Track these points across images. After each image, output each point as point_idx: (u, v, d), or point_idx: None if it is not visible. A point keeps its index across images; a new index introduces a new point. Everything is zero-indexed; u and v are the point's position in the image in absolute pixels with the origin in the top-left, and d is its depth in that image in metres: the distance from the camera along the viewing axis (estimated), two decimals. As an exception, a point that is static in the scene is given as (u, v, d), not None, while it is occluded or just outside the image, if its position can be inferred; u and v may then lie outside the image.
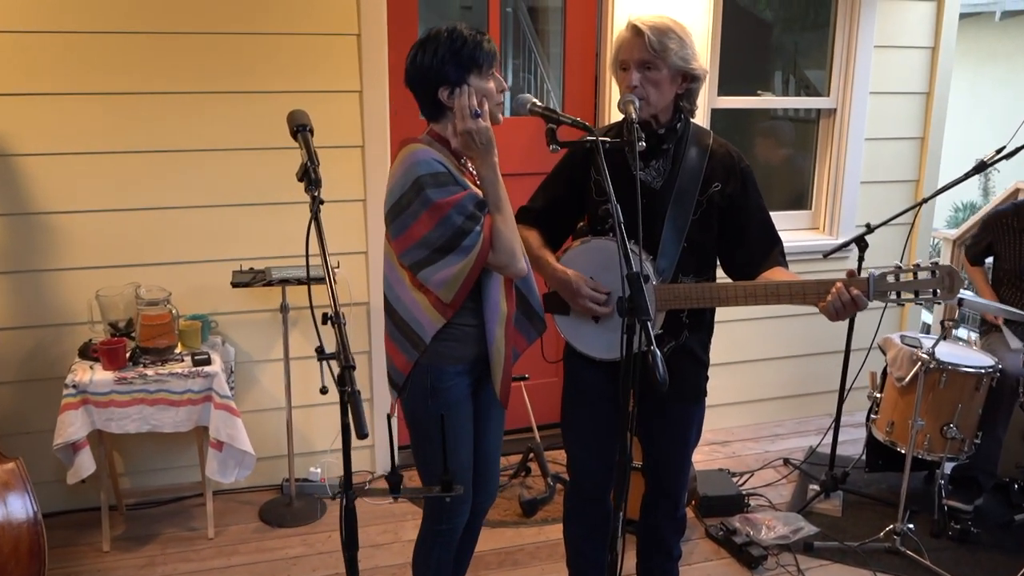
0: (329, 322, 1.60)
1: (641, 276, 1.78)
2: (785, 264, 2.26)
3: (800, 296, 2.06)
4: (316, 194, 1.76)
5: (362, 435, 1.46)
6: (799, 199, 4.45)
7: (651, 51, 2.12)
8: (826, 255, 3.47)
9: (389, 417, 1.83)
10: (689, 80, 2.17)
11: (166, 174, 3.27)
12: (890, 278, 1.90)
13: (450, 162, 2.08)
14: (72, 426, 2.92)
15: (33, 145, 3.12)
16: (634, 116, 2.03)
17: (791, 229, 4.28)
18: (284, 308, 3.27)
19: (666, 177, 2.24)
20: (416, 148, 2.06)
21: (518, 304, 2.28)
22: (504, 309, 2.17)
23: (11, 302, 3.20)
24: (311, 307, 1.70)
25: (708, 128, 2.34)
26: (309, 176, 1.80)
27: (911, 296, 1.90)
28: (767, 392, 4.38)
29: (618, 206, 1.85)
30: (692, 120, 2.30)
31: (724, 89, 3.99)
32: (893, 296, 1.90)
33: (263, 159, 3.34)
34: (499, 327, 2.17)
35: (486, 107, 2.07)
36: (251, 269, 3.32)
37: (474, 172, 2.17)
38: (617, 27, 3.62)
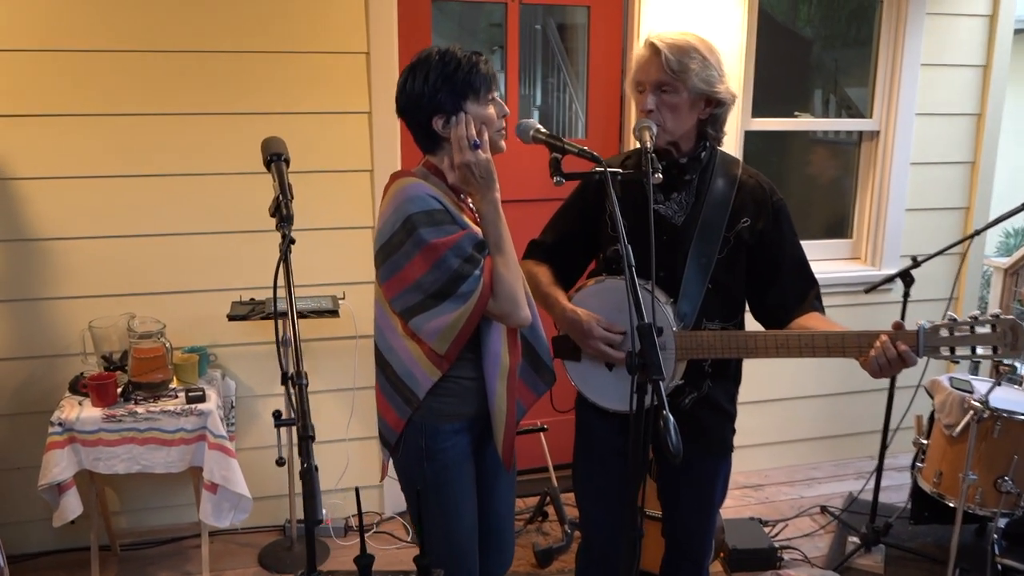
0: (289, 383, 1.39)
1: (654, 328, 1.56)
2: (822, 309, 2.03)
3: (839, 349, 1.82)
4: (287, 232, 1.58)
5: (314, 523, 1.25)
6: (839, 227, 4.18)
7: (669, 72, 1.91)
8: (868, 290, 3.21)
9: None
10: (713, 105, 1.96)
11: (165, 199, 3.12)
12: (943, 332, 1.66)
13: (447, 198, 1.88)
14: (57, 466, 2.76)
15: (25, 168, 2.98)
16: (649, 144, 1.81)
17: (830, 259, 4.02)
18: (284, 342, 3.08)
19: (689, 211, 2.02)
20: (408, 183, 1.86)
21: (524, 354, 2.07)
22: (506, 362, 1.95)
23: (2, 331, 3.06)
24: (278, 350, 1.49)
25: (738, 156, 2.12)
26: (280, 212, 1.63)
27: (967, 352, 1.65)
28: (802, 432, 4.10)
29: (629, 247, 1.63)
30: (720, 148, 2.08)
31: (759, 110, 3.76)
32: (946, 352, 1.65)
33: (266, 184, 3.15)
34: (500, 381, 1.95)
35: (485, 136, 1.86)
36: (252, 300, 3.15)
37: (474, 209, 1.97)
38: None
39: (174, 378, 3.02)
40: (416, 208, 1.80)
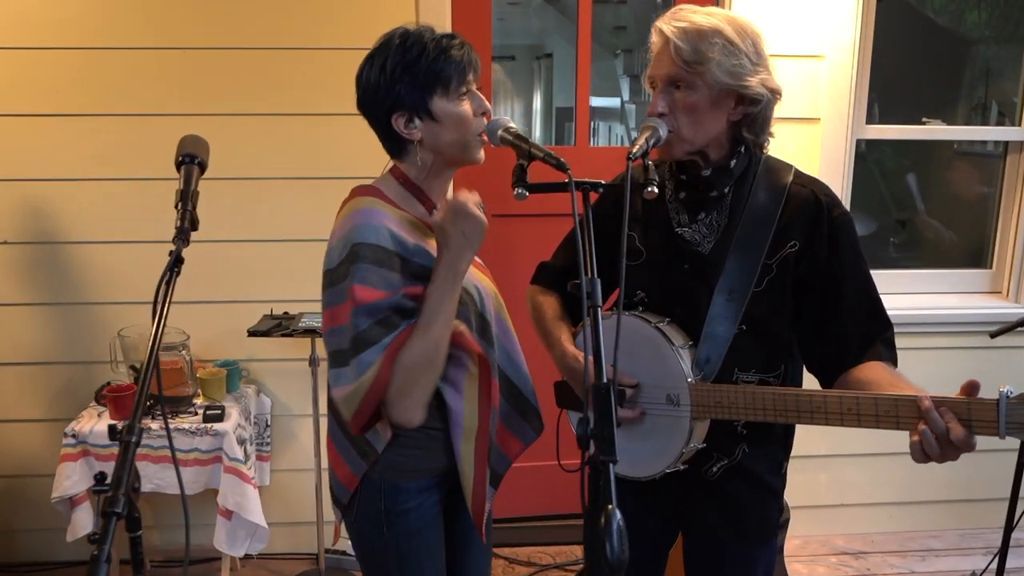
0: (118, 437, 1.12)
1: (613, 389, 1.19)
2: (892, 359, 1.56)
3: (891, 419, 1.36)
4: (177, 248, 1.32)
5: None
6: (977, 255, 3.54)
7: (681, 64, 1.51)
8: (995, 334, 2.62)
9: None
10: (747, 103, 1.54)
11: (204, 204, 2.96)
12: None
13: (406, 223, 1.55)
14: (69, 479, 2.65)
15: (60, 170, 2.91)
16: (635, 148, 1.43)
17: (964, 292, 3.39)
18: (313, 361, 2.86)
19: (720, 235, 1.61)
20: (363, 206, 1.53)
21: (508, 397, 1.72)
22: (472, 423, 1.62)
23: (40, 335, 3.00)
24: (142, 386, 1.21)
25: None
26: (179, 223, 1.36)
27: None
28: (922, 492, 3.48)
29: (598, 280, 1.26)
30: (766, 154, 1.66)
31: (883, 115, 3.22)
32: None
33: (305, 189, 2.95)
34: (466, 443, 1.61)
35: (473, 204, 1.51)
36: (284, 313, 2.94)
37: None
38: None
39: (199, 393, 2.86)
40: (363, 238, 1.48)
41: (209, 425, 2.68)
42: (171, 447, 1.64)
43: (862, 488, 3.36)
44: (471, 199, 1.52)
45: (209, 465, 2.70)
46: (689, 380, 1.56)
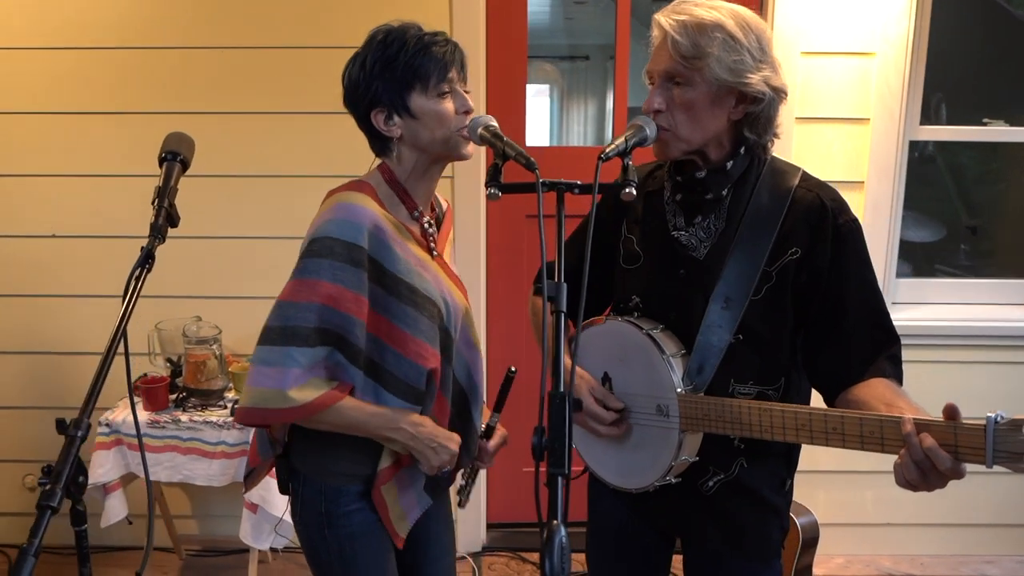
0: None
1: (570, 400, 1.14)
2: (897, 375, 1.46)
3: (875, 440, 1.27)
4: (150, 245, 1.32)
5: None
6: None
7: (678, 58, 1.45)
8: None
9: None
10: (748, 101, 1.46)
11: (242, 200, 3.01)
12: None
13: (390, 222, 1.54)
14: (102, 467, 2.72)
15: (100, 166, 2.99)
16: (610, 149, 1.37)
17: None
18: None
19: (716, 239, 1.54)
20: (356, 202, 1.52)
21: (458, 414, 1.70)
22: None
23: (85, 327, 3.10)
24: (96, 379, 1.22)
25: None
26: (154, 220, 1.37)
27: None
28: (975, 515, 3.28)
29: (564, 285, 1.21)
30: (772, 155, 1.58)
31: (951, 114, 3.07)
32: None
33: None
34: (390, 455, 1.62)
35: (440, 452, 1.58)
36: (316, 310, 2.97)
37: (429, 225, 1.64)
38: (778, 51, 2.86)
39: (231, 387, 2.90)
40: (337, 233, 1.48)
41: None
42: (138, 435, 1.66)
43: (911, 507, 3.19)
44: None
45: (236, 458, 2.74)
46: (678, 391, 1.50)
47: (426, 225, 1.63)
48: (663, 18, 1.48)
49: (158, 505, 2.99)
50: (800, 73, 2.87)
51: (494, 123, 1.48)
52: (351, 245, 1.47)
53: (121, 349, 1.21)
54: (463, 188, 3.01)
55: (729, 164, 1.52)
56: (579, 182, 1.33)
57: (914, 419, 1.19)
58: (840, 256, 1.47)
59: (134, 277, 1.30)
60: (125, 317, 1.24)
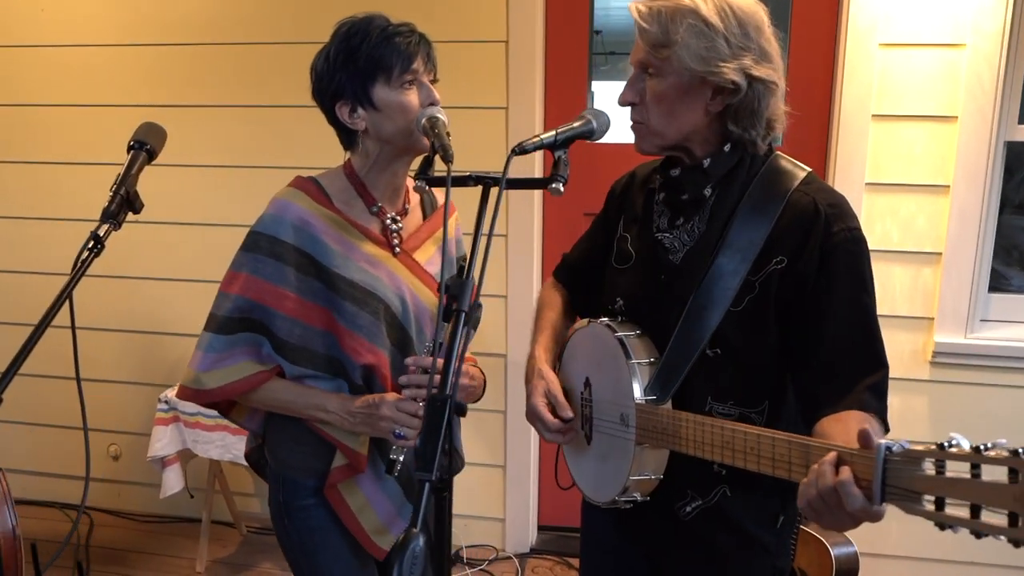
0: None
1: (451, 403, 1.09)
2: (878, 409, 1.29)
3: (784, 464, 1.16)
4: (100, 232, 1.37)
5: None
6: None
7: (648, 47, 1.36)
8: None
9: None
10: (727, 92, 1.34)
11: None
12: (926, 467, 0.92)
13: (329, 221, 1.54)
14: (160, 441, 2.87)
15: (183, 156, 3.14)
16: (531, 144, 1.31)
17: None
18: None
19: (694, 245, 1.43)
20: (281, 196, 1.56)
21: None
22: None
23: (156, 308, 3.29)
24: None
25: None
26: (109, 205, 1.41)
27: (963, 515, 0.90)
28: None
29: (471, 281, 1.17)
30: (776, 154, 1.44)
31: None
32: (929, 506, 0.92)
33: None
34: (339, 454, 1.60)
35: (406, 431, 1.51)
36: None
37: (389, 220, 1.62)
38: (853, 42, 2.65)
39: (285, 372, 2.99)
40: (264, 228, 1.52)
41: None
42: (83, 414, 1.71)
43: (945, 542, 2.86)
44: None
45: (282, 442, 2.82)
46: (636, 400, 1.41)
47: (388, 221, 1.61)
48: (636, 6, 1.39)
49: (218, 481, 3.12)
50: (878, 66, 2.65)
51: (439, 115, 1.44)
52: (273, 239, 1.50)
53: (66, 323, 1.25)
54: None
55: (706, 162, 1.40)
56: (478, 172, 1.29)
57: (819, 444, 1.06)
58: (827, 269, 1.32)
59: (80, 260, 1.34)
60: (64, 295, 1.28)
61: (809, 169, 1.43)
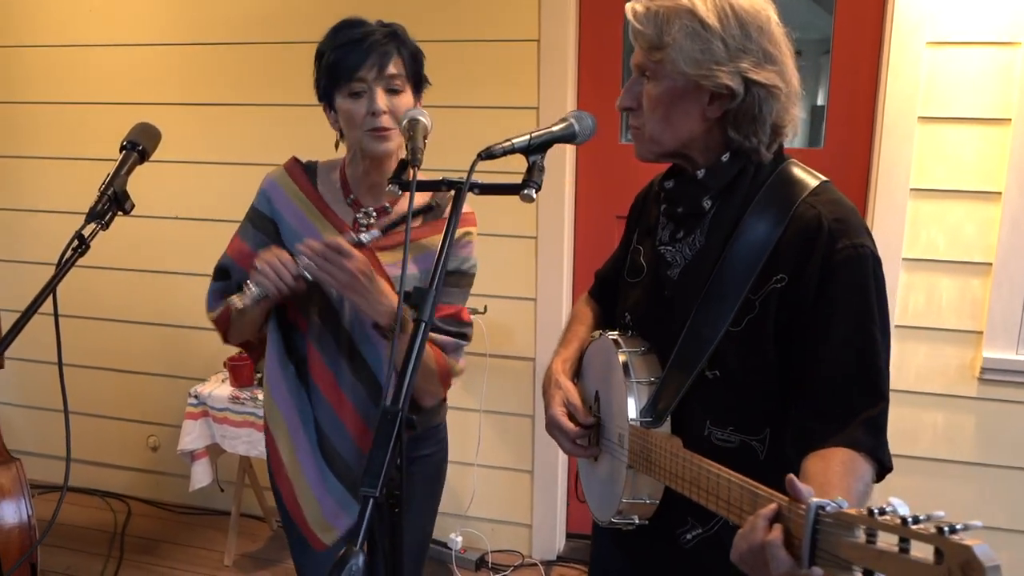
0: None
1: (401, 418, 1.05)
2: (871, 447, 1.19)
3: (725, 505, 1.10)
4: (92, 228, 1.38)
5: None
6: None
7: (643, 50, 1.29)
8: None
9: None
10: (725, 98, 1.26)
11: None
12: (857, 534, 0.84)
13: (298, 200, 1.69)
14: (189, 435, 2.92)
15: (209, 153, 3.20)
16: (501, 149, 1.26)
17: None
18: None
19: (692, 260, 1.35)
20: (271, 171, 1.75)
21: (364, 382, 1.67)
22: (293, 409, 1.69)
23: (193, 304, 3.32)
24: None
25: (818, 177, 1.33)
26: (96, 205, 1.42)
27: None
28: None
29: (433, 291, 1.13)
30: (790, 162, 1.35)
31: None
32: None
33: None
34: (285, 434, 1.68)
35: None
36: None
37: (360, 216, 1.68)
38: (898, 40, 2.52)
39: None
40: (254, 200, 1.75)
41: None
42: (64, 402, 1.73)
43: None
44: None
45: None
46: (631, 421, 1.35)
47: (359, 216, 1.67)
48: (630, 5, 1.33)
49: (247, 475, 3.15)
50: (925, 66, 2.51)
51: (421, 118, 1.40)
52: (255, 209, 1.72)
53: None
54: (545, 189, 2.91)
55: (700, 173, 1.33)
56: (446, 179, 1.25)
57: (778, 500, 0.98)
58: (828, 289, 1.22)
59: (64, 259, 1.34)
60: (48, 290, 1.30)
61: (824, 178, 1.33)
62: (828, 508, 0.87)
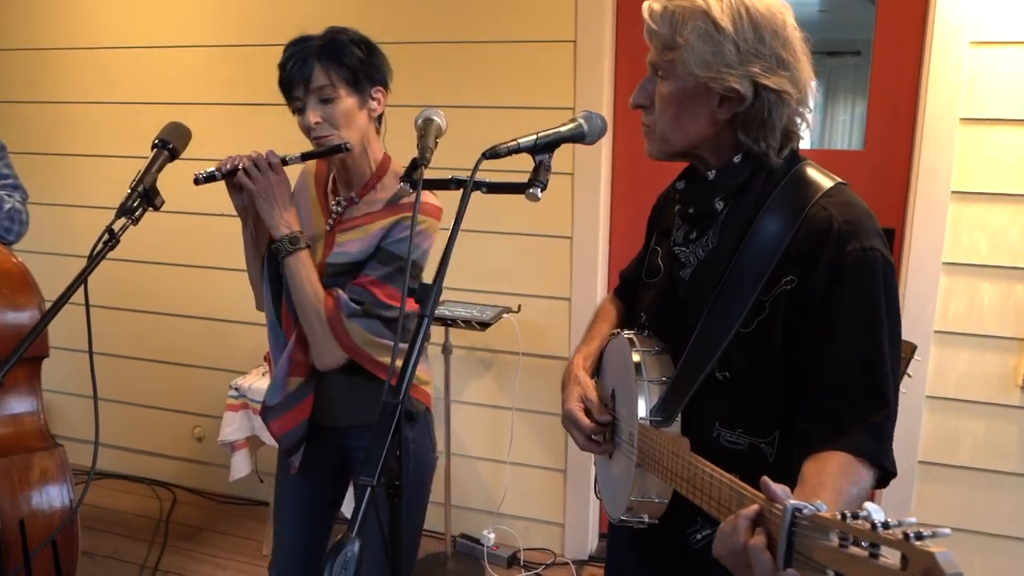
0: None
1: (401, 407, 1.08)
2: (871, 452, 1.19)
3: (714, 503, 1.10)
4: (115, 225, 1.44)
5: None
6: None
7: (657, 49, 1.30)
8: None
9: None
10: (733, 102, 1.26)
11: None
12: (832, 537, 0.83)
13: (310, 184, 1.94)
14: (229, 427, 2.99)
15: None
16: (506, 148, 1.27)
17: None
18: (446, 348, 2.92)
19: (703, 261, 1.36)
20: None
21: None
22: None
23: (240, 299, 3.41)
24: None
25: (833, 179, 1.32)
26: (126, 200, 1.48)
27: None
28: None
29: (436, 288, 1.15)
30: (805, 163, 1.33)
31: None
32: None
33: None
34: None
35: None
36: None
37: (333, 203, 1.88)
38: (940, 39, 2.47)
39: (350, 365, 3.06)
40: None
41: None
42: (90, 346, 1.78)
43: None
44: None
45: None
46: (640, 419, 1.36)
47: (332, 203, 1.87)
48: (648, 4, 1.34)
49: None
50: (967, 67, 2.45)
51: (435, 117, 1.43)
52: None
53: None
54: (581, 190, 2.93)
55: (711, 174, 1.33)
56: (455, 177, 1.27)
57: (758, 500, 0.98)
58: (835, 291, 1.21)
59: (95, 252, 1.40)
60: (79, 281, 1.36)
61: (839, 180, 1.32)
62: (805, 511, 0.87)
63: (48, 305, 2.27)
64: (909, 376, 2.10)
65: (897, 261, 2.68)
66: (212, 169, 1.73)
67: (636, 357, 1.39)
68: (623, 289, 1.71)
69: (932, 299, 2.58)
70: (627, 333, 1.46)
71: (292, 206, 1.79)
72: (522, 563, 3.15)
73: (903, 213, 2.65)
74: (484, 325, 2.79)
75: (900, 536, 0.75)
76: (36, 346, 2.33)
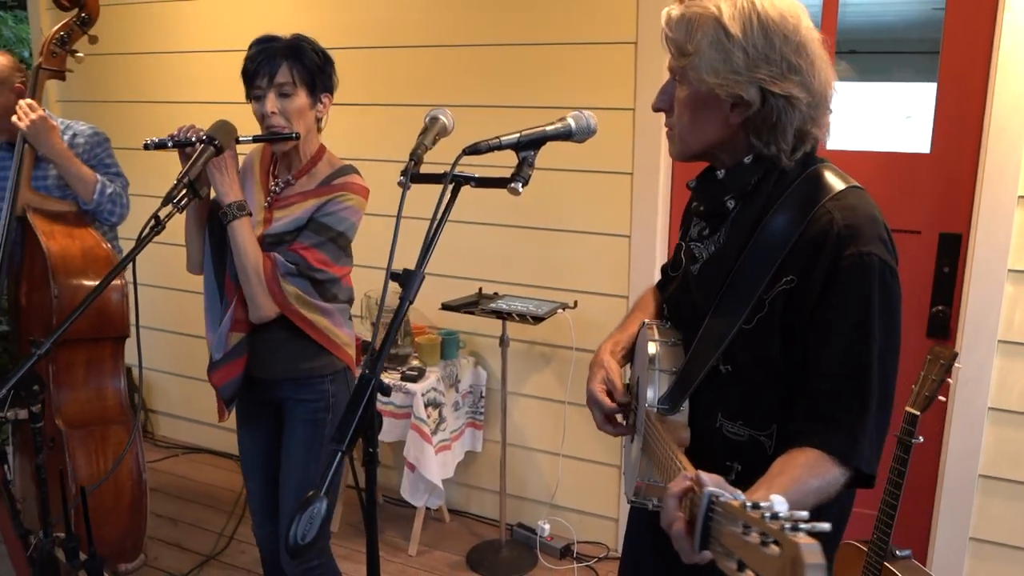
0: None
1: (375, 384, 1.18)
2: (846, 453, 1.22)
3: None
4: (160, 213, 1.60)
5: None
6: None
7: (672, 54, 1.35)
8: None
9: None
10: (743, 107, 1.29)
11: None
12: (739, 524, 0.86)
13: (253, 165, 2.15)
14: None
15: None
16: (488, 145, 1.34)
17: None
18: (503, 341, 3.01)
19: (712, 258, 1.41)
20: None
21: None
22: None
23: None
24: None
25: (849, 181, 1.33)
26: (171, 192, 1.63)
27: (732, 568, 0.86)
28: None
29: (419, 274, 1.25)
30: (821, 165, 1.35)
31: None
32: (732, 565, 0.87)
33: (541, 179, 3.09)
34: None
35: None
36: (494, 293, 3.14)
37: (272, 184, 2.12)
38: (1010, 35, 2.38)
39: (414, 355, 3.19)
40: None
41: (404, 384, 3.01)
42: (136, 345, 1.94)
43: None
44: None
45: (402, 419, 3.03)
46: (648, 406, 1.41)
47: (272, 184, 2.11)
48: (667, 9, 1.38)
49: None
50: (1037, 68, 2.36)
51: (441, 116, 1.51)
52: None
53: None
54: (639, 189, 2.96)
55: (720, 173, 1.37)
56: (475, 175, 1.33)
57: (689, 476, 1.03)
58: (829, 295, 1.24)
59: (142, 236, 1.56)
60: (126, 261, 1.52)
61: (854, 183, 1.33)
62: (722, 498, 0.91)
63: (131, 289, 2.50)
64: (950, 382, 2.06)
65: (961, 268, 2.60)
66: (164, 137, 1.87)
67: (652, 348, 1.44)
68: (661, 281, 1.76)
69: (996, 307, 2.49)
70: (651, 323, 1.52)
71: (240, 178, 2.01)
72: (575, 555, 3.20)
73: (967, 217, 2.57)
74: (537, 320, 2.86)
75: (778, 527, 0.79)
76: (117, 326, 2.59)
